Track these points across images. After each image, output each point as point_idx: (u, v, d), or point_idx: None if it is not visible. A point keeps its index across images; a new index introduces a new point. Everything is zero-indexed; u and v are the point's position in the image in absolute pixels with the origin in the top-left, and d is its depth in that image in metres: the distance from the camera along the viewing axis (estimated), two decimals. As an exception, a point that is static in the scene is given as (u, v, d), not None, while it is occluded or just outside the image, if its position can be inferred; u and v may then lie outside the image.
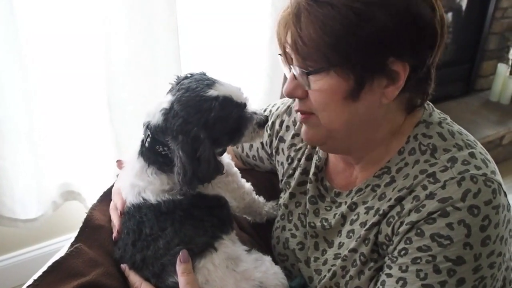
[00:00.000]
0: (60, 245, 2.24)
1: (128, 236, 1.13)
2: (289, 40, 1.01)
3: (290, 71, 1.06)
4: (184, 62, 2.06)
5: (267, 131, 1.40)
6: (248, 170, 1.53)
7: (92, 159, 2.08)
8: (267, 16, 2.16)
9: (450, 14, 3.58)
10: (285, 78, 1.09)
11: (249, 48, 2.19)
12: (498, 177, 1.01)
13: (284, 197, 1.33)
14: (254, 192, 1.32)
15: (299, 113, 1.11)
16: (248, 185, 1.30)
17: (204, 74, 1.15)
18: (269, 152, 1.42)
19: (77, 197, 2.14)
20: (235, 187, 1.23)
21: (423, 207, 0.98)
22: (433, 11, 0.98)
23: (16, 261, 2.23)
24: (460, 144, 1.04)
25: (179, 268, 1.04)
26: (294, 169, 1.32)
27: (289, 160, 1.34)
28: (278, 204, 1.37)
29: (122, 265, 1.13)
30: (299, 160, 1.31)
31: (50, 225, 2.14)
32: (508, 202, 1.01)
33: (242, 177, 1.32)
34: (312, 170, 1.27)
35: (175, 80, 1.16)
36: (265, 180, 1.48)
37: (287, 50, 1.03)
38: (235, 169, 1.26)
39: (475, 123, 3.37)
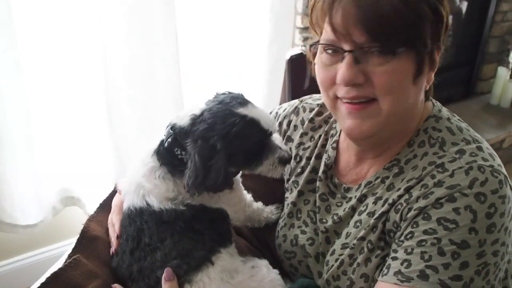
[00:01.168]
0: (60, 251, 2.24)
1: (127, 242, 1.13)
2: (358, 23, 0.97)
3: (342, 58, 1.02)
4: (183, 67, 2.06)
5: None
6: (246, 174, 1.52)
7: (92, 165, 2.08)
8: (266, 22, 2.16)
9: (450, 18, 3.58)
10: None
11: (248, 53, 2.19)
12: (504, 170, 1.03)
13: (292, 195, 1.34)
14: (253, 201, 1.32)
15: (345, 105, 1.06)
16: (249, 197, 1.30)
17: (242, 95, 1.14)
18: None
19: (77, 202, 2.14)
20: (237, 201, 1.24)
21: (431, 194, 1.00)
22: (442, 4, 1.04)
23: (16, 266, 2.23)
24: (468, 138, 1.07)
25: (164, 286, 1.05)
26: (303, 168, 1.33)
27: (297, 159, 1.35)
28: (277, 207, 1.37)
29: (112, 285, 1.13)
30: (308, 158, 1.32)
31: (50, 231, 2.15)
32: None
33: (242, 182, 1.32)
34: (322, 168, 1.28)
35: (214, 95, 1.16)
36: (264, 185, 1.48)
37: (349, 36, 0.99)
38: (240, 185, 1.26)
39: (475, 126, 3.32)
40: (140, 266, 1.10)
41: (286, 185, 1.39)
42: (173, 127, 1.11)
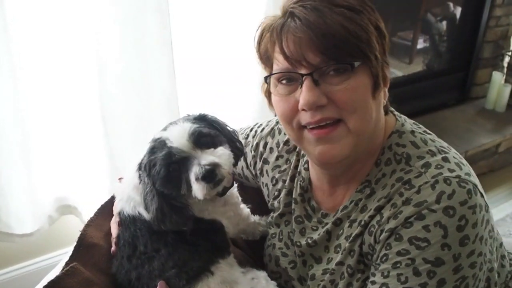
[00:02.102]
0: (56, 259, 2.23)
1: (124, 248, 1.14)
2: (311, 45, 0.99)
3: (300, 83, 1.02)
4: (179, 76, 2.06)
5: (251, 152, 1.41)
6: (240, 185, 1.52)
7: (87, 173, 2.07)
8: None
9: (444, 23, 3.60)
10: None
11: (243, 62, 2.19)
12: (473, 178, 1.02)
13: (274, 216, 1.33)
14: (251, 215, 1.32)
15: (312, 132, 1.04)
16: (246, 211, 1.29)
17: (202, 115, 1.13)
18: (254, 173, 1.43)
19: (73, 211, 2.14)
20: (232, 215, 1.22)
21: (400, 213, 1.00)
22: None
23: (12, 276, 2.22)
24: (433, 150, 1.06)
25: None
26: (279, 191, 1.32)
27: (274, 181, 1.34)
28: (269, 222, 1.36)
29: None
30: (284, 181, 1.31)
31: (46, 240, 2.14)
32: (486, 203, 1.02)
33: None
34: (298, 191, 1.27)
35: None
36: (257, 195, 1.48)
37: (304, 62, 1.00)
38: (236, 199, 1.24)
39: (470, 131, 3.37)
40: (138, 274, 1.10)
41: (269, 206, 1.38)
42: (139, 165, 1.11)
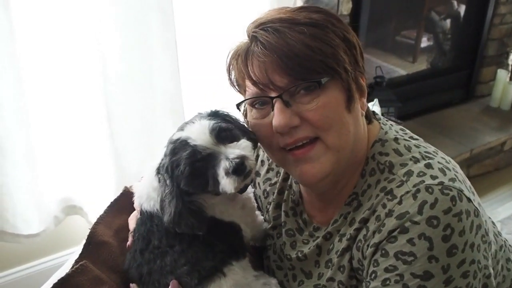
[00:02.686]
0: (63, 260, 2.24)
1: (138, 241, 1.14)
2: (277, 68, 0.98)
3: (272, 107, 1.01)
4: (184, 76, 2.07)
5: None
6: None
7: (92, 174, 2.08)
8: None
9: (448, 21, 3.60)
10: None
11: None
12: (458, 184, 0.98)
13: (270, 229, 1.32)
14: (264, 222, 1.31)
15: (291, 153, 1.03)
16: (260, 218, 1.30)
17: (215, 112, 1.12)
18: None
19: (79, 211, 2.15)
20: (249, 220, 1.22)
21: (383, 226, 0.97)
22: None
23: (19, 276, 2.23)
24: (417, 156, 1.03)
25: None
26: (270, 204, 1.31)
27: (265, 194, 1.34)
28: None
29: (131, 284, 1.14)
30: (273, 194, 1.30)
31: (52, 240, 2.15)
32: (476, 207, 0.98)
33: None
34: (289, 204, 1.25)
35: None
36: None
37: (271, 85, 0.99)
38: (252, 204, 1.24)
39: (475, 129, 3.36)
40: (150, 268, 1.10)
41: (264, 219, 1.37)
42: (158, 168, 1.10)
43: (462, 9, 3.56)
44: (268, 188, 1.32)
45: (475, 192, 1.05)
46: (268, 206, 1.31)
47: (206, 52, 2.20)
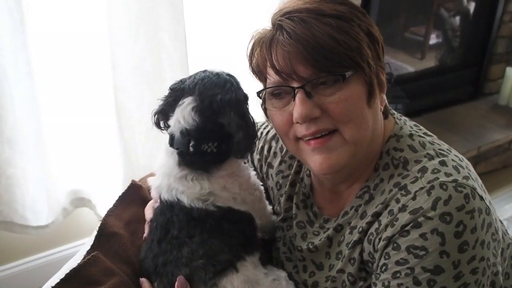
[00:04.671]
0: (71, 251, 2.26)
1: (156, 231, 1.14)
2: (301, 59, 0.98)
3: (293, 97, 1.01)
4: (192, 71, 2.07)
5: (257, 155, 1.42)
6: None
7: (101, 166, 2.10)
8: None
9: (457, 18, 3.58)
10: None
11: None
12: (472, 182, 0.99)
13: (278, 221, 1.33)
14: (274, 216, 1.33)
15: (308, 142, 1.04)
16: (269, 208, 1.30)
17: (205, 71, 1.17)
18: (261, 176, 1.42)
19: (87, 203, 2.16)
20: (262, 206, 1.24)
21: (397, 221, 0.98)
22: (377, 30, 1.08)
23: (28, 267, 2.25)
24: (431, 153, 1.04)
25: None
26: (282, 195, 1.32)
27: (278, 186, 1.34)
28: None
29: (141, 278, 1.15)
30: (285, 186, 1.31)
31: (61, 232, 2.17)
32: (488, 205, 0.99)
33: None
34: (300, 197, 1.26)
35: (169, 91, 1.18)
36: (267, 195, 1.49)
37: (294, 75, 1.00)
38: (261, 187, 1.26)
39: (483, 127, 3.35)
40: (165, 259, 1.10)
41: (274, 210, 1.38)
42: (184, 136, 1.10)
43: (472, 6, 3.55)
44: (281, 181, 1.33)
45: (486, 191, 1.06)
46: (280, 198, 1.32)
47: (214, 46, 2.20)
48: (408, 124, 1.14)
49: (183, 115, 1.09)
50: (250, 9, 2.11)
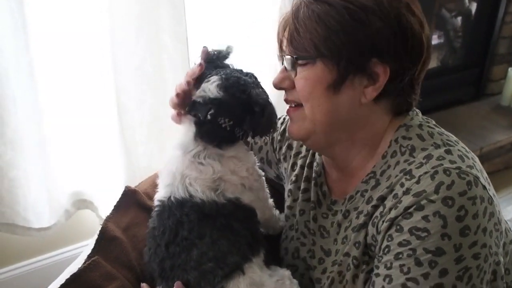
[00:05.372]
0: (73, 253, 2.26)
1: (163, 235, 1.11)
2: (286, 34, 1.10)
3: (282, 64, 1.13)
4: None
5: (278, 136, 1.45)
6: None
7: (103, 168, 2.09)
8: (275, 24, 2.16)
9: (459, 18, 3.58)
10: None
11: (259, 56, 2.20)
12: (475, 171, 1.01)
13: (288, 205, 1.35)
14: (274, 208, 1.33)
15: (288, 107, 1.18)
16: (271, 201, 1.31)
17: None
18: (277, 157, 1.46)
19: (89, 205, 2.16)
20: (265, 196, 1.26)
21: (400, 203, 1.00)
22: (421, 27, 1.06)
23: (30, 269, 2.25)
24: (438, 143, 1.07)
25: None
26: (297, 176, 1.35)
27: (294, 167, 1.37)
28: (286, 214, 1.38)
29: (142, 284, 1.14)
30: (302, 167, 1.34)
31: (63, 233, 2.17)
32: (491, 196, 1.01)
33: None
34: (313, 175, 1.30)
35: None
36: (273, 190, 1.49)
37: (282, 45, 1.13)
38: (264, 184, 1.27)
39: (485, 128, 3.35)
40: (173, 263, 1.09)
41: (284, 194, 1.40)
42: (205, 103, 1.11)
43: (474, 6, 3.54)
44: (298, 161, 1.37)
45: (491, 184, 1.07)
46: (293, 178, 1.36)
47: (215, 46, 2.20)
48: (420, 116, 1.18)
49: (209, 87, 1.12)
50: (251, 10, 2.11)
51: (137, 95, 1.97)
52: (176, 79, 2.01)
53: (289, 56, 1.08)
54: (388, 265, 1.00)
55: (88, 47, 1.89)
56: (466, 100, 3.72)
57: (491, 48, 3.64)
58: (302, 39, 1.05)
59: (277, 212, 1.36)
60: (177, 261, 1.08)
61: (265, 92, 1.15)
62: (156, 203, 1.17)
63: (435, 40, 3.52)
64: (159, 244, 1.12)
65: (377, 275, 1.02)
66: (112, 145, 2.05)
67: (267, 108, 1.12)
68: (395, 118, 1.15)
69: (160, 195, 1.16)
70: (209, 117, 1.10)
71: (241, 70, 1.19)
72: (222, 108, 1.10)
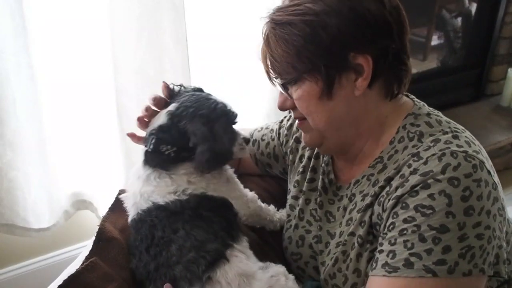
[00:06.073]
0: (73, 254, 2.26)
1: (141, 243, 1.15)
2: (268, 63, 1.15)
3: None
4: (194, 73, 2.07)
5: (284, 131, 1.50)
6: (261, 176, 1.57)
7: (102, 169, 2.09)
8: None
9: (459, 19, 3.57)
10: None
11: (258, 59, 2.20)
12: (481, 156, 1.04)
13: (294, 196, 1.39)
14: (260, 200, 1.34)
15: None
16: (251, 194, 1.33)
17: (202, 90, 1.26)
18: (284, 151, 1.50)
19: (89, 206, 2.16)
20: (238, 194, 1.27)
21: (407, 182, 1.03)
22: (381, 3, 1.07)
23: (30, 270, 2.25)
24: (446, 130, 1.10)
25: None
26: (304, 167, 1.39)
27: (302, 159, 1.41)
28: (290, 204, 1.41)
29: None
30: (309, 158, 1.38)
31: (62, 234, 2.17)
32: (495, 182, 1.03)
33: (256, 182, 1.37)
34: (321, 165, 1.34)
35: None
36: (278, 186, 1.51)
37: (270, 74, 1.17)
38: (237, 180, 1.30)
39: (485, 128, 3.34)
40: (156, 264, 1.11)
41: (289, 186, 1.43)
42: (150, 133, 1.17)
43: (474, 7, 3.54)
44: (305, 153, 1.41)
45: (495, 172, 1.10)
46: (301, 170, 1.40)
47: (215, 49, 2.20)
48: (427, 107, 1.22)
49: (160, 115, 1.18)
50: (251, 12, 2.11)
51: (137, 97, 1.97)
52: (176, 80, 2.00)
53: (277, 82, 1.14)
54: (393, 241, 1.02)
55: (88, 48, 1.89)
56: (466, 100, 3.71)
57: (491, 49, 3.63)
58: (280, 64, 1.11)
59: (271, 206, 1.39)
60: (160, 261, 1.11)
61: (218, 121, 1.16)
62: (130, 224, 1.21)
63: (435, 41, 3.52)
64: (140, 251, 1.15)
65: (381, 251, 1.04)
66: (112, 145, 2.05)
67: (202, 144, 1.12)
68: (400, 104, 1.19)
69: (131, 215, 1.21)
70: (151, 146, 1.16)
71: (207, 95, 1.22)
72: (165, 136, 1.16)
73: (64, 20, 1.83)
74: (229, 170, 1.28)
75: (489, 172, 1.03)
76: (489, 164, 1.07)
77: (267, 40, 1.13)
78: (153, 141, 1.16)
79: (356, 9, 1.05)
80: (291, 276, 1.19)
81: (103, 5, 1.80)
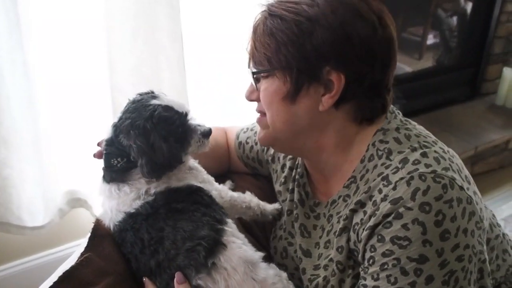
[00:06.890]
0: (68, 252, 2.25)
1: (133, 248, 1.15)
2: (249, 49, 1.16)
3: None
4: (189, 71, 2.07)
5: None
6: (255, 175, 1.56)
7: (97, 167, 2.08)
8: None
9: (455, 18, 3.58)
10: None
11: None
12: (452, 173, 1.02)
13: (278, 203, 1.37)
14: (233, 192, 1.34)
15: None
16: (221, 186, 1.32)
17: (152, 91, 1.23)
18: (266, 159, 1.47)
19: (84, 204, 2.16)
20: (205, 177, 1.27)
21: (378, 210, 1.01)
22: (373, 31, 1.06)
23: (24, 268, 2.24)
24: (415, 146, 1.07)
25: None
26: (286, 177, 1.37)
27: (284, 169, 1.39)
28: (281, 206, 1.39)
29: (143, 278, 1.15)
30: (291, 169, 1.36)
31: (57, 232, 2.16)
32: (469, 195, 1.01)
33: (250, 181, 1.38)
34: (297, 176, 1.32)
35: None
36: (268, 182, 1.51)
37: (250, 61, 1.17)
38: (201, 168, 1.29)
39: (480, 127, 3.36)
40: (156, 260, 1.11)
41: (277, 194, 1.42)
42: (104, 146, 1.19)
43: (469, 6, 3.55)
44: (287, 163, 1.39)
45: (471, 182, 1.08)
46: (282, 180, 1.38)
47: (210, 46, 2.20)
48: (399, 118, 1.18)
49: (108, 130, 1.20)
50: (247, 10, 2.11)
51: (133, 94, 1.96)
52: (172, 78, 2.01)
53: (249, 71, 1.15)
54: (375, 276, 1.00)
55: (84, 46, 1.88)
56: (461, 99, 3.73)
57: (486, 48, 3.65)
58: (259, 54, 1.11)
59: (262, 202, 1.37)
60: (159, 257, 1.11)
61: (155, 130, 1.13)
62: (114, 236, 1.21)
63: (430, 40, 3.53)
64: (135, 255, 1.15)
65: (365, 286, 1.03)
66: (107, 144, 2.03)
67: (140, 158, 1.12)
68: (370, 122, 1.15)
69: (112, 229, 1.21)
70: (104, 163, 1.19)
71: (145, 106, 1.17)
72: (112, 149, 1.17)
73: (60, 18, 1.82)
74: (191, 160, 1.27)
75: (461, 188, 1.00)
76: (461, 177, 1.04)
77: (255, 28, 1.13)
78: (103, 157, 1.19)
79: (346, 28, 1.04)
80: (290, 282, 1.18)
81: (99, 3, 1.79)
